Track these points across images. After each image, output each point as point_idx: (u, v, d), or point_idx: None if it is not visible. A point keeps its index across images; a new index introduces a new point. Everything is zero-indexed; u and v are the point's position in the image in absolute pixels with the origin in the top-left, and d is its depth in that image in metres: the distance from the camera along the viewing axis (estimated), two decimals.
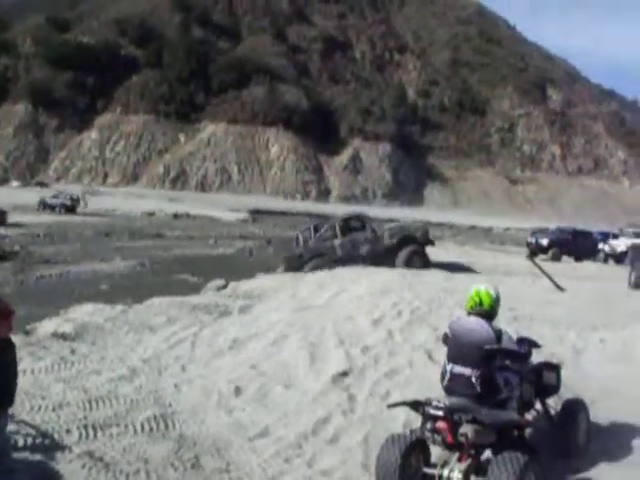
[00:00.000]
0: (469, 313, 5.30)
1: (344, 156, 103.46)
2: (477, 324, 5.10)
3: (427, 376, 5.80)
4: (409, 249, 19.64)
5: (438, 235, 42.01)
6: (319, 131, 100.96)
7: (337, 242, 19.67)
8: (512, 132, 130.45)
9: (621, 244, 29.43)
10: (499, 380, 5.04)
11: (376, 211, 74.15)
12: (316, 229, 20.67)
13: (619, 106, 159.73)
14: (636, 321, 10.73)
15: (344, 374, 7.35)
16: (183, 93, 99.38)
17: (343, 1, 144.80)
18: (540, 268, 17.57)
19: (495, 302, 5.30)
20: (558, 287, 15.93)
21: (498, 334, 5.06)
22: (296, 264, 18.89)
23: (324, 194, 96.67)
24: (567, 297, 14.82)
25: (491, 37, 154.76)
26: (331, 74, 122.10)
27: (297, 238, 20.96)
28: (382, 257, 19.56)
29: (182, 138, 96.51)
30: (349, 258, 19.26)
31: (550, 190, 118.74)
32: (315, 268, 18.14)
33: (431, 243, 21.26)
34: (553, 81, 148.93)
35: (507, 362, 5.23)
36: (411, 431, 5.12)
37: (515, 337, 5.71)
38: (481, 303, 5.24)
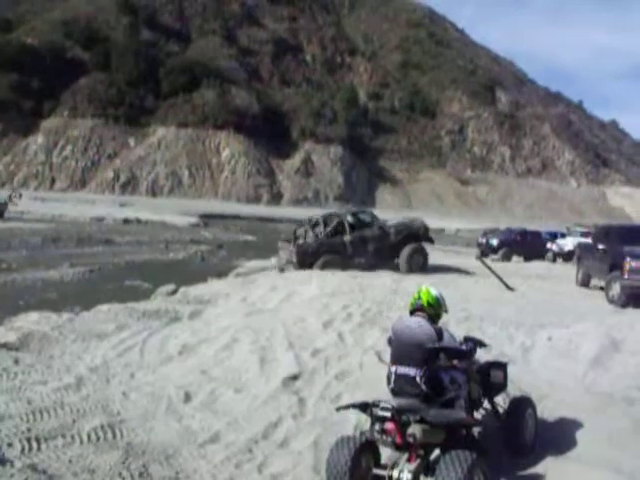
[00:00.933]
0: (411, 313, 5.35)
1: (296, 159, 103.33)
2: (418, 324, 5.15)
3: (377, 378, 5.81)
4: (412, 246, 19.47)
5: None
6: (270, 134, 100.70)
7: (347, 238, 19.24)
8: (462, 134, 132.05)
9: (568, 243, 29.98)
10: (445, 379, 5.08)
11: None
12: (325, 223, 19.91)
13: (565, 108, 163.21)
14: (582, 318, 10.98)
15: (294, 377, 7.34)
16: (132, 96, 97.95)
17: (294, 4, 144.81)
18: (490, 268, 17.83)
19: (435, 300, 5.35)
20: (508, 287, 16.20)
21: (439, 333, 5.11)
22: (309, 259, 18.50)
23: (276, 197, 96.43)
24: (517, 297, 15.09)
25: (441, 40, 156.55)
26: (282, 77, 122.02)
27: (306, 232, 20.10)
28: (387, 255, 19.62)
29: (132, 142, 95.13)
30: (358, 255, 19.21)
31: (500, 191, 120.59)
32: (326, 265, 18.14)
33: (431, 241, 21.16)
34: (501, 84, 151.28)
35: (453, 361, 5.29)
36: (361, 433, 5.14)
37: (461, 337, 5.77)
38: (423, 304, 5.29)
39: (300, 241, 19.45)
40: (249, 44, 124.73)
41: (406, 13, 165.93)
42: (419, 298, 5.35)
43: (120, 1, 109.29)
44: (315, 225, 20.12)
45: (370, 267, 19.13)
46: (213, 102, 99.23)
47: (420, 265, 19.41)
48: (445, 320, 9.59)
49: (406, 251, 19.31)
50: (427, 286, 5.53)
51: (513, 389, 6.73)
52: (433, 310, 5.32)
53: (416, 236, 20.19)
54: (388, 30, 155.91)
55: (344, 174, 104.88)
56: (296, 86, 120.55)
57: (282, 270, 19.38)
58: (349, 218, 20.07)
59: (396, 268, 19.01)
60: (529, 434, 5.75)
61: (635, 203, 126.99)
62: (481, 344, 5.76)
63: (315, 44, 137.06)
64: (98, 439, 5.80)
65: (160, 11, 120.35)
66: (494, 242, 31.22)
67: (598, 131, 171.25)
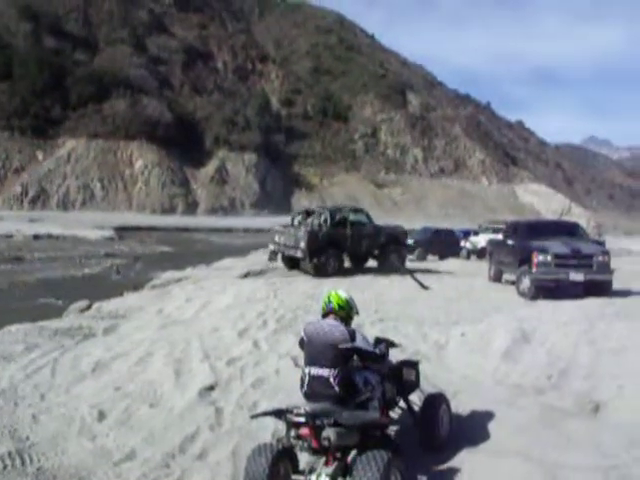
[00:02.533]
0: (323, 316, 5.38)
1: (210, 167, 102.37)
2: (330, 325, 5.19)
3: (294, 383, 5.80)
4: (394, 248, 20.95)
5: None
6: (184, 143, 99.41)
7: (349, 232, 19.92)
8: (375, 137, 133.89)
9: (481, 240, 30.69)
10: (358, 381, 5.13)
11: (245, 221, 74.08)
12: (331, 215, 20.35)
13: (474, 110, 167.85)
14: (494, 313, 11.29)
15: (210, 388, 7.27)
16: (38, 107, 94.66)
17: (203, 11, 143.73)
18: (403, 268, 18.13)
19: (346, 303, 5.40)
20: (423, 286, 16.51)
21: (352, 333, 5.15)
22: (318, 244, 19.05)
23: (192, 207, 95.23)
24: (431, 295, 15.39)
25: (351, 45, 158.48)
26: (193, 85, 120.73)
27: (312, 224, 20.26)
28: (375, 254, 20.83)
29: (40, 155, 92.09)
30: (354, 251, 20.22)
31: (415, 192, 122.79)
32: (328, 258, 19.12)
33: (406, 246, 22.47)
34: (412, 87, 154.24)
35: (365, 362, 5.34)
36: (278, 440, 5.12)
37: (373, 338, 5.84)
38: (333, 307, 5.33)
39: (309, 228, 19.70)
40: (159, 52, 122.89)
41: (316, 19, 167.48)
42: (329, 302, 5.40)
43: (20, 6, 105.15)
44: (317, 216, 20.56)
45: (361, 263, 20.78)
46: (124, 112, 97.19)
47: (399, 267, 20.43)
48: (360, 322, 9.72)
49: (390, 251, 20.82)
50: (336, 290, 5.59)
51: (428, 386, 6.86)
52: (344, 312, 5.37)
53: (397, 240, 21.59)
54: (298, 36, 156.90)
55: (259, 181, 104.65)
56: (208, 94, 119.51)
57: (274, 255, 21.10)
58: (351, 214, 21.04)
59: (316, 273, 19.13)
60: (444, 429, 5.86)
61: (543, 199, 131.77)
62: (392, 344, 5.84)
63: (226, 51, 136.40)
64: (5, 467, 5.54)
65: (64, 18, 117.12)
66: (409, 242, 31.69)
67: (506, 131, 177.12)
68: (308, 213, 21.47)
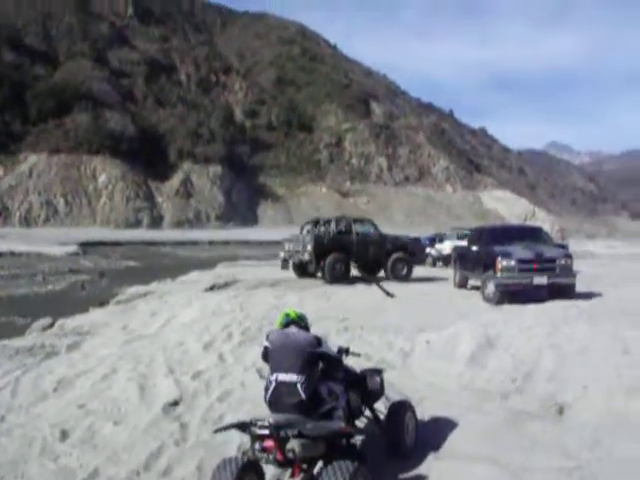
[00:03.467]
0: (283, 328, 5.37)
1: (175, 180, 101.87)
2: (295, 332, 5.18)
3: (260, 395, 5.76)
4: (401, 256, 21.72)
5: (273, 253, 42.40)
6: (148, 156, 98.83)
7: (354, 238, 21.04)
8: (340, 147, 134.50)
9: (446, 247, 30.89)
10: (322, 391, 5.10)
11: (211, 234, 73.75)
12: (337, 222, 21.77)
13: (438, 118, 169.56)
14: (460, 319, 11.34)
15: (175, 403, 7.18)
16: None
17: (165, 24, 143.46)
18: (368, 277, 18.17)
19: (301, 315, 5.42)
20: (388, 294, 16.54)
21: (318, 339, 5.15)
22: (324, 248, 20.26)
23: (157, 221, 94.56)
24: (397, 303, 15.43)
25: (314, 56, 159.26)
26: (157, 98, 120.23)
27: (318, 230, 21.96)
28: (382, 260, 21.47)
29: (0, 171, 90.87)
30: (360, 255, 20.93)
31: (380, 200, 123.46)
32: (336, 262, 20.17)
33: (413, 254, 22.75)
34: (376, 96, 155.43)
35: (329, 370, 5.33)
36: (243, 453, 5.05)
37: (337, 347, 5.83)
38: (288, 315, 5.34)
39: (315, 233, 21.30)
40: (121, 65, 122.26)
41: (278, 30, 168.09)
42: (287, 315, 5.39)
43: None
44: (323, 224, 22.16)
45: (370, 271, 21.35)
46: (86, 126, 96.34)
47: (405, 272, 21.63)
48: (325, 331, 9.71)
49: (395, 259, 21.54)
50: (289, 307, 5.62)
51: (393, 394, 6.86)
52: (303, 322, 5.38)
53: (405, 248, 22.27)
54: (261, 47, 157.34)
55: (224, 193, 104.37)
56: (171, 107, 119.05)
57: (286, 263, 22.31)
58: (357, 222, 22.33)
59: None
60: (410, 437, 5.86)
61: (507, 204, 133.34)
62: (354, 354, 5.83)
63: (188, 64, 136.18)
64: None
65: (23, 31, 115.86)
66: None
67: (469, 138, 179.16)
68: (316, 222, 22.88)
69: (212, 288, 18.94)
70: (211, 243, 63.72)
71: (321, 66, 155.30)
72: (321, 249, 20.22)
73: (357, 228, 21.66)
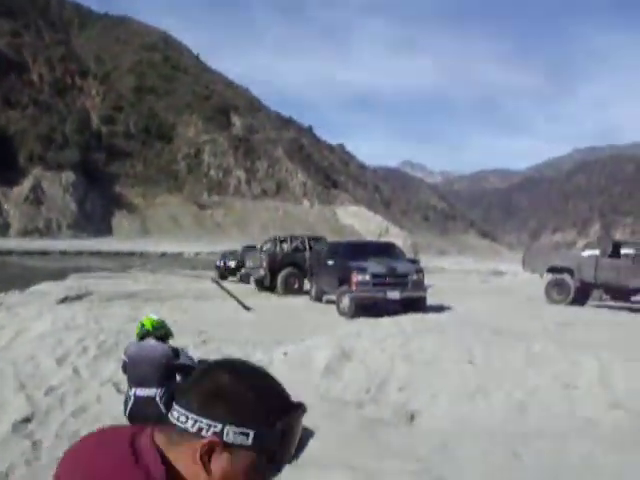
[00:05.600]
0: (140, 340, 5.33)
1: (24, 186, 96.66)
2: (152, 344, 5.15)
3: (118, 409, 5.64)
4: None
5: (128, 265, 41.28)
6: None
7: (307, 254, 22.27)
8: (198, 158, 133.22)
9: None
10: None
11: (63, 243, 70.66)
12: (290, 240, 24.17)
13: (297, 133, 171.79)
14: (316, 331, 11.62)
15: (26, 420, 6.87)
16: None
17: (16, 18, 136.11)
18: (226, 290, 18.18)
19: (160, 322, 5.39)
20: (245, 307, 16.64)
21: (175, 351, 5.15)
22: (277, 266, 22.33)
23: (3, 228, 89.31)
24: (254, 316, 15.55)
25: (176, 64, 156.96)
26: (6, 97, 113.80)
27: (274, 246, 24.02)
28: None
29: None
30: (312, 272, 21.15)
31: (238, 213, 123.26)
32: (288, 278, 22.22)
33: None
34: (236, 108, 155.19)
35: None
36: None
37: (196, 360, 5.85)
38: (143, 326, 5.31)
39: (270, 251, 23.46)
40: None
41: (140, 36, 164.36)
42: (142, 326, 5.35)
43: None
44: (280, 242, 24.18)
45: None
46: None
47: None
48: (183, 344, 9.64)
49: None
50: (147, 314, 5.56)
51: None
52: (162, 331, 5.34)
53: None
54: (121, 52, 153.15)
55: (77, 201, 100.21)
56: (22, 108, 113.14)
57: (247, 277, 25.57)
58: (311, 240, 24.29)
59: None
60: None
61: (362, 220, 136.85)
62: None
63: (42, 63, 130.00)
64: None
65: None
66: (232, 264, 31.62)
67: (327, 154, 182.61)
68: (274, 240, 24.87)
69: (64, 300, 18.20)
70: (63, 253, 60.96)
71: (183, 75, 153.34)
72: (274, 266, 22.30)
73: (312, 245, 23.43)
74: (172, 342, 5.73)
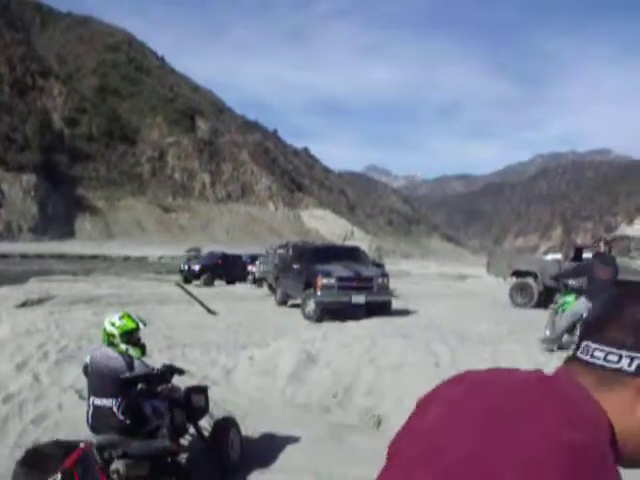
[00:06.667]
0: (108, 344, 5.21)
1: None
2: (109, 355, 5.04)
3: (79, 417, 5.49)
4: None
5: (91, 268, 40.70)
6: None
7: None
8: (163, 161, 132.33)
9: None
10: (147, 409, 5.02)
11: (23, 246, 69.52)
12: (293, 248, 23.53)
13: (262, 136, 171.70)
14: (281, 335, 11.55)
15: None
16: None
17: None
18: (190, 294, 18.02)
19: (122, 331, 5.26)
20: (210, 311, 16.50)
21: (129, 362, 5.03)
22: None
23: None
24: (219, 320, 15.43)
25: (140, 66, 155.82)
26: None
27: (287, 252, 23.12)
28: None
29: None
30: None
31: (202, 217, 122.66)
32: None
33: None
34: (201, 111, 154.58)
35: (153, 388, 5.25)
36: (63, 474, 4.83)
37: (160, 365, 5.74)
38: (113, 335, 5.18)
39: (276, 261, 23.02)
40: None
41: (104, 36, 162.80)
42: (104, 331, 5.23)
43: None
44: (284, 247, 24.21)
45: None
46: None
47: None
48: (148, 349, 9.47)
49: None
50: (109, 317, 5.40)
51: (217, 411, 6.85)
52: (126, 337, 5.21)
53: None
54: (84, 53, 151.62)
55: (39, 204, 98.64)
56: None
57: (261, 281, 26.71)
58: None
59: None
60: (235, 453, 5.89)
61: (328, 224, 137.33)
62: (179, 371, 5.75)
63: (2, 62, 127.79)
64: None
65: None
66: (196, 267, 31.44)
67: (292, 158, 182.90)
68: (286, 246, 24.49)
69: (24, 304, 17.84)
70: (23, 256, 59.94)
71: (147, 77, 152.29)
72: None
73: None
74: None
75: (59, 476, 4.26)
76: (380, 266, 23.77)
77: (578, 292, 9.87)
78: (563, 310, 10.15)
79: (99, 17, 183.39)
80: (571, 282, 10.23)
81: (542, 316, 15.77)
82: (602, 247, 11.27)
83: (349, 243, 72.15)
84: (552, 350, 9.57)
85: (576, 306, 9.59)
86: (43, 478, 4.30)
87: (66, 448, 4.53)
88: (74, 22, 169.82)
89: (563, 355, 8.97)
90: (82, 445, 4.49)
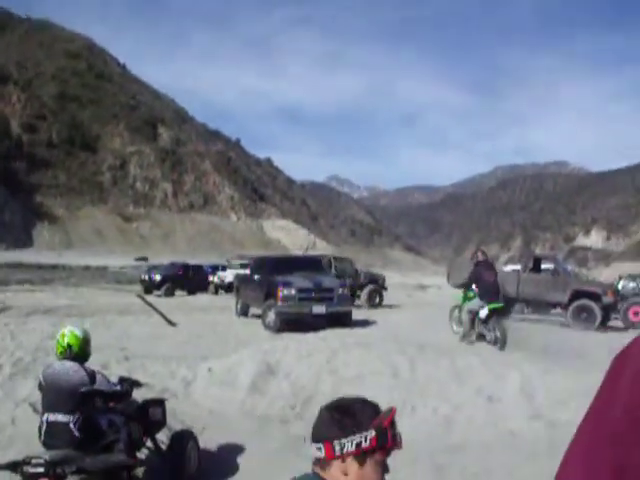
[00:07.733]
0: (62, 357, 5.13)
1: None
2: (69, 368, 4.96)
3: (34, 432, 5.40)
4: (372, 288, 24.91)
5: (50, 278, 40.02)
6: None
7: (333, 272, 22.34)
8: (124, 169, 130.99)
9: (229, 275, 31.11)
10: (102, 423, 4.96)
11: None
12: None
13: (224, 145, 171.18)
14: (242, 346, 11.51)
15: None
16: None
17: None
18: (150, 305, 17.88)
19: (84, 342, 5.19)
20: (170, 322, 16.38)
21: (91, 376, 4.97)
22: None
23: None
24: (179, 331, 15.33)
25: (101, 73, 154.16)
26: None
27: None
28: (355, 292, 23.59)
29: None
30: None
31: (164, 226, 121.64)
32: None
33: (385, 288, 26.31)
34: (163, 120, 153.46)
35: (111, 404, 5.18)
36: None
37: (117, 377, 5.68)
38: (70, 346, 5.10)
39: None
40: None
41: (64, 42, 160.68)
42: (66, 343, 5.14)
43: None
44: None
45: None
46: None
47: (378, 301, 24.95)
48: (105, 360, 9.39)
49: (370, 290, 24.70)
50: (71, 328, 5.33)
51: (176, 423, 6.80)
52: (81, 352, 5.14)
53: (376, 281, 25.94)
54: (44, 59, 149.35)
55: None
56: None
57: None
58: (335, 259, 25.34)
59: None
60: (192, 465, 5.85)
61: (290, 235, 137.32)
62: (137, 384, 5.70)
63: None
64: None
65: None
66: (157, 277, 31.23)
67: (255, 168, 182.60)
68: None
69: None
70: None
71: (108, 85, 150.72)
72: None
73: (336, 264, 24.27)
74: (94, 358, 5.54)
75: None
76: (377, 279, 26.23)
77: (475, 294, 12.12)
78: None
79: (60, 23, 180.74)
80: (474, 287, 12.18)
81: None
82: (480, 256, 12.41)
83: (311, 254, 72.08)
84: (472, 342, 11.74)
85: (472, 304, 12.02)
86: None
87: None
88: (33, 27, 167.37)
89: (506, 356, 9.12)
90: None
